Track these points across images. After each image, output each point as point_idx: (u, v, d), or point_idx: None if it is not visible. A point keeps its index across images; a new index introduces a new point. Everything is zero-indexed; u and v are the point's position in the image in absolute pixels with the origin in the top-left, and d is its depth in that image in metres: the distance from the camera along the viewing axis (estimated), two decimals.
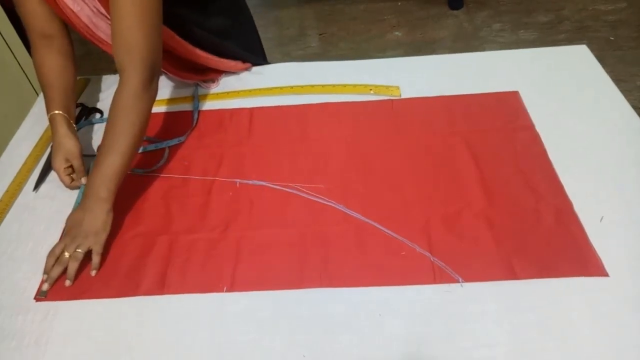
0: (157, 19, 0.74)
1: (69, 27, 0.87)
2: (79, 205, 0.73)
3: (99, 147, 0.76)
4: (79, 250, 0.69)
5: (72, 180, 0.81)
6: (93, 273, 0.69)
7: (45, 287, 0.68)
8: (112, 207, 0.71)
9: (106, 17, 0.82)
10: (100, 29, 0.84)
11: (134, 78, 0.73)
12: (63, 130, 0.82)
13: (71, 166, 0.81)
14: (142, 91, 0.74)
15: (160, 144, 0.87)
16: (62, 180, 0.81)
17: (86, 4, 0.80)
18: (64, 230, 0.73)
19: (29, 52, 1.73)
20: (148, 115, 0.76)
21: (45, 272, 0.69)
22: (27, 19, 0.84)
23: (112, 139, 0.73)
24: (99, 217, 0.70)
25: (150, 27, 0.73)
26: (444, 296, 0.64)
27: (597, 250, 0.66)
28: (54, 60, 0.86)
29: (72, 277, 0.68)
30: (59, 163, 0.80)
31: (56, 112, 0.83)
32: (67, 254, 0.68)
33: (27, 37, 0.86)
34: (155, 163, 0.85)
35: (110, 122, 0.73)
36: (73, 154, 0.81)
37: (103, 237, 0.70)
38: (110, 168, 0.71)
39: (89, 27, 0.84)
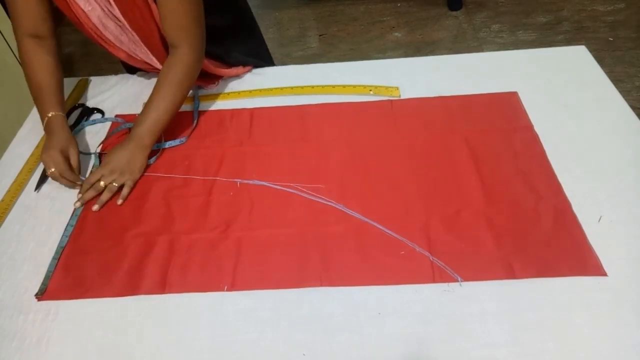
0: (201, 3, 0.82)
1: (67, 28, 0.88)
2: (122, 146, 0.81)
3: (149, 99, 0.84)
4: (115, 184, 0.78)
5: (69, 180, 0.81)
6: (120, 202, 0.78)
7: (78, 204, 0.78)
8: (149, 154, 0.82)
9: (116, 18, 0.83)
10: (109, 29, 0.85)
11: (189, 53, 0.83)
12: (67, 132, 0.84)
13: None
14: (195, 64, 0.85)
15: (162, 144, 0.88)
16: (68, 179, 0.80)
17: (98, 4, 0.81)
18: (100, 164, 0.82)
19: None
20: (193, 81, 0.86)
21: (81, 192, 0.78)
22: (18, 17, 0.83)
23: (162, 98, 0.82)
24: (139, 159, 0.81)
25: (200, 9, 0.82)
26: (443, 295, 0.64)
27: (595, 250, 0.66)
28: (46, 60, 0.86)
29: (102, 203, 0.78)
30: (62, 164, 0.80)
31: (59, 113, 0.84)
32: (102, 183, 0.78)
33: (14, 35, 0.85)
34: (155, 163, 0.85)
35: (162, 83, 0.83)
36: (75, 157, 0.82)
37: (137, 176, 0.81)
38: (157, 121, 0.82)
39: (97, 28, 0.84)
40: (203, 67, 0.90)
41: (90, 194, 0.78)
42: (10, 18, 0.85)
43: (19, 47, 0.86)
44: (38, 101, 0.86)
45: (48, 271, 0.70)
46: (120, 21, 0.83)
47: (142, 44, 0.88)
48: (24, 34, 0.85)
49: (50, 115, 0.84)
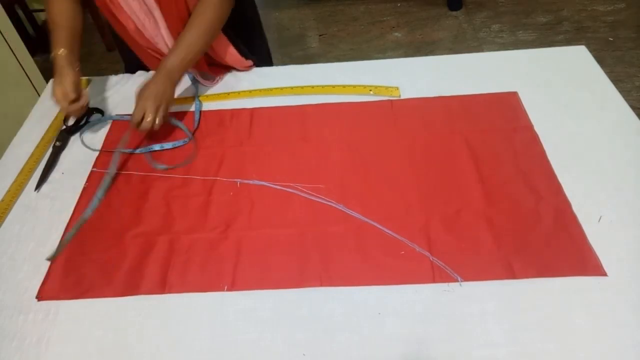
0: None
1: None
2: (153, 80, 0.85)
3: (181, 36, 0.88)
4: (160, 112, 0.83)
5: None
6: (157, 123, 0.83)
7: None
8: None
9: None
10: None
11: None
12: (66, 68, 0.87)
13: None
14: (226, 8, 0.90)
15: (166, 144, 0.88)
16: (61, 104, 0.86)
17: None
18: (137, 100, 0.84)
19: (30, 51, 1.73)
20: (222, 24, 0.92)
21: (133, 123, 0.83)
22: None
23: (193, 37, 0.88)
24: (169, 92, 0.86)
25: None
26: (443, 295, 0.64)
27: (595, 250, 0.66)
28: (66, 5, 0.91)
29: (155, 125, 0.83)
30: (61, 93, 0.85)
31: (60, 51, 0.87)
32: (150, 117, 0.82)
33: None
34: (154, 162, 0.85)
35: (195, 23, 0.88)
36: (72, 85, 0.86)
37: (171, 104, 0.87)
38: (187, 59, 0.87)
39: None
40: (208, 51, 0.93)
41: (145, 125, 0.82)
42: None
43: None
44: (52, 41, 0.89)
45: (66, 240, 0.73)
46: None
47: (154, 10, 0.90)
48: None
49: (53, 53, 0.87)
